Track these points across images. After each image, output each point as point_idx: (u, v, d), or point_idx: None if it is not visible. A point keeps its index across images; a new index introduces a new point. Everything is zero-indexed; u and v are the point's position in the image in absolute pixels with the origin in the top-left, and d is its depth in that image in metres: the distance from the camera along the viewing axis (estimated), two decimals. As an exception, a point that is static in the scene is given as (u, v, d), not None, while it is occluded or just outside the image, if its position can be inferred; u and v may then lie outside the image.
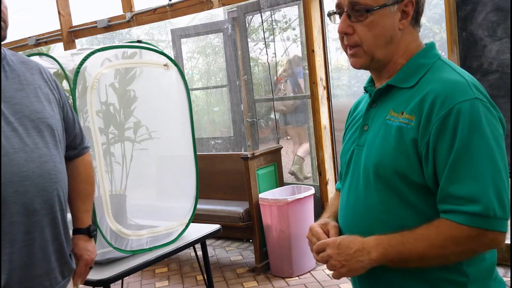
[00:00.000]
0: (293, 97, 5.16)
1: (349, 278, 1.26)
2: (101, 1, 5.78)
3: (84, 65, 2.17)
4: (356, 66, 1.22)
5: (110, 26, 5.07)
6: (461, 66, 3.13)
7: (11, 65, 1.47)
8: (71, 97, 2.12)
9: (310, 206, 3.72)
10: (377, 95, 1.23)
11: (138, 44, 2.43)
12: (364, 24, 1.16)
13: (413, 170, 1.11)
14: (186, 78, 2.64)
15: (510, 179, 1.10)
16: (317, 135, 4.02)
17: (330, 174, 4.08)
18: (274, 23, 4.98)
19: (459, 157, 1.05)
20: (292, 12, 4.94)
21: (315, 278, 3.60)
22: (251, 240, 4.39)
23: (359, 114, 1.30)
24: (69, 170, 1.63)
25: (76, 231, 1.73)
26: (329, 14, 1.26)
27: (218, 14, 5.96)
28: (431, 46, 1.23)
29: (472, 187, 1.04)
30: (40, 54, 2.33)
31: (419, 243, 1.08)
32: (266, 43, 4.86)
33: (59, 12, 5.34)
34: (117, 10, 4.99)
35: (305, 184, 4.32)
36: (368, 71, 1.29)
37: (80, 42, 6.06)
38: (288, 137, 5.39)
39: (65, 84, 2.16)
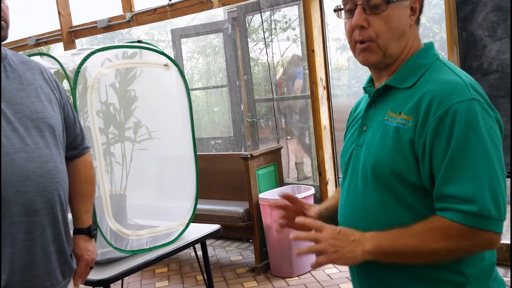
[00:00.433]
0: (293, 97, 5.16)
1: (349, 278, 1.26)
2: (101, 1, 5.78)
3: (84, 65, 2.18)
4: (368, 62, 1.20)
5: (110, 26, 5.07)
6: (461, 66, 3.13)
7: (12, 65, 1.47)
8: (71, 97, 2.12)
9: (310, 206, 3.72)
10: (376, 96, 1.23)
11: (138, 44, 2.43)
12: (380, 17, 1.15)
13: (410, 171, 1.11)
14: (186, 78, 2.64)
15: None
16: (317, 135, 4.03)
17: (330, 174, 4.08)
18: (274, 23, 4.99)
19: (455, 157, 1.05)
20: (292, 12, 4.94)
21: (315, 278, 3.60)
22: (251, 240, 4.39)
23: (359, 114, 1.31)
24: (70, 170, 1.63)
25: (77, 231, 1.73)
26: (336, 10, 1.24)
27: (218, 14, 5.96)
28: (429, 46, 1.23)
29: (468, 188, 1.04)
30: (41, 54, 2.33)
31: (413, 237, 1.08)
32: (266, 43, 4.86)
33: (59, 12, 5.34)
34: (117, 10, 4.99)
35: (305, 184, 4.32)
36: (368, 71, 1.29)
37: (80, 42, 6.06)
38: (288, 137, 5.39)
39: (65, 84, 2.16)
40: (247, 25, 5.07)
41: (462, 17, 3.13)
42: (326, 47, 4.02)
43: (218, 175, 4.30)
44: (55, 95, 1.56)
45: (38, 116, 1.45)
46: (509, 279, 3.12)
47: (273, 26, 4.96)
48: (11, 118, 1.39)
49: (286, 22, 5.06)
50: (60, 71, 2.18)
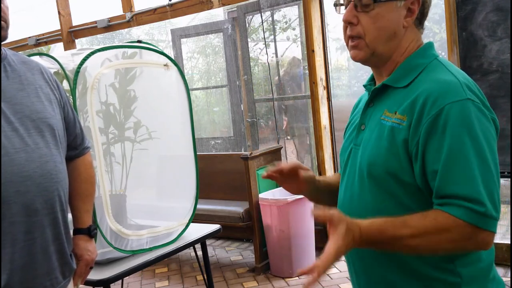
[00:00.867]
0: (293, 97, 5.16)
1: (349, 278, 1.26)
2: (101, 1, 5.78)
3: (84, 65, 2.18)
4: (356, 59, 1.22)
5: (110, 26, 5.07)
6: (461, 66, 3.13)
7: (12, 65, 1.47)
8: (71, 97, 2.12)
9: (310, 206, 3.72)
10: (374, 95, 1.24)
11: (138, 44, 2.44)
12: (369, 16, 1.16)
13: (404, 171, 1.11)
14: (186, 78, 2.64)
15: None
16: (317, 135, 4.03)
17: (330, 174, 4.08)
18: (274, 23, 4.99)
19: (451, 158, 1.05)
20: (292, 12, 4.94)
21: (315, 278, 3.60)
22: (251, 240, 4.39)
23: (359, 113, 1.31)
24: (70, 170, 1.63)
25: (77, 231, 1.73)
26: (335, 4, 1.26)
27: (218, 14, 5.96)
28: (428, 46, 1.23)
29: (465, 188, 1.03)
30: (41, 54, 2.33)
31: (411, 223, 1.05)
32: (266, 43, 4.86)
33: (59, 12, 5.34)
34: (117, 10, 4.99)
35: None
36: (368, 72, 1.29)
37: (80, 42, 6.06)
38: (288, 137, 5.39)
39: (65, 84, 2.16)
40: (247, 25, 5.07)
41: (462, 17, 3.13)
42: (326, 47, 4.03)
43: (218, 175, 4.30)
44: (55, 95, 1.56)
45: (38, 116, 1.46)
46: (509, 279, 3.12)
47: (273, 26, 4.96)
48: (11, 118, 1.39)
49: (286, 22, 5.06)
50: (60, 71, 2.18)
